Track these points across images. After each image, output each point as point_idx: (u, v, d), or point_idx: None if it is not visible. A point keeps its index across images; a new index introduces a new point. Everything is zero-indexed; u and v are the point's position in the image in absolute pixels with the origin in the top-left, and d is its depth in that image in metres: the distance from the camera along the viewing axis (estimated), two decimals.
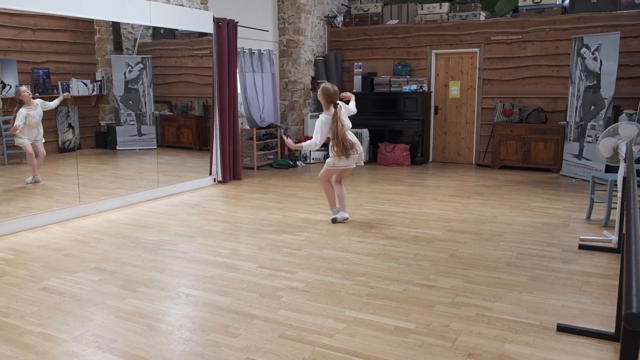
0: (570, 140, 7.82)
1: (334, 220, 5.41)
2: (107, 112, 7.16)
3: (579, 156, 7.66)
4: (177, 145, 8.14)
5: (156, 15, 6.45)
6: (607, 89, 7.18)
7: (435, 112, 9.50)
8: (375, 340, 2.91)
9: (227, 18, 7.49)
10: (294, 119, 9.64)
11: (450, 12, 9.15)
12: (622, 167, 4.46)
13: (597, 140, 5.28)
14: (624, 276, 1.40)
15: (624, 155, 4.30)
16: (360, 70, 9.74)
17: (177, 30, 7.57)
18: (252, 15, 8.77)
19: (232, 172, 7.79)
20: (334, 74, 9.79)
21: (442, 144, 9.54)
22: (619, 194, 4.55)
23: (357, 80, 9.68)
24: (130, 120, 7.33)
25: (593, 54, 7.37)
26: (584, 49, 7.51)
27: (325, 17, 10.06)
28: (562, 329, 3.01)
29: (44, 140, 6.02)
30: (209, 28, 7.25)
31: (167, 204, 6.34)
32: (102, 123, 7.13)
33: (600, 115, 7.29)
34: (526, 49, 8.54)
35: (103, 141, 7.17)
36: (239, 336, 2.98)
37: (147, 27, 7.33)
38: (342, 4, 10.47)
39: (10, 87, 5.92)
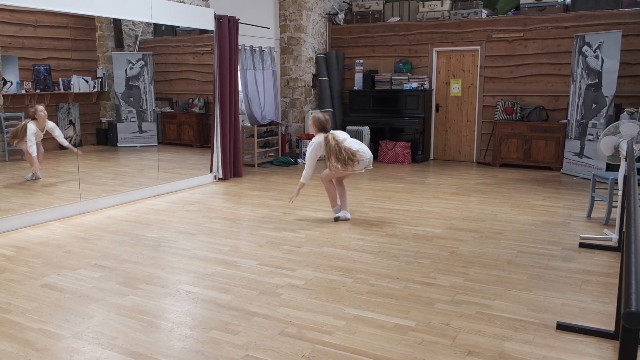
0: (571, 138, 7.81)
1: (336, 219, 5.41)
2: (108, 109, 7.16)
3: (580, 154, 7.65)
4: (178, 143, 8.14)
5: (157, 12, 6.44)
6: (609, 87, 7.17)
7: (437, 110, 9.50)
8: (375, 338, 2.92)
9: (228, 15, 7.48)
10: (294, 116, 9.64)
11: (452, 10, 9.14)
12: (623, 165, 4.46)
13: (598, 138, 5.27)
14: (624, 274, 1.40)
15: (624, 154, 4.29)
16: (362, 67, 9.73)
17: (178, 27, 7.57)
18: (253, 12, 8.76)
19: (232, 170, 7.79)
20: (335, 72, 9.78)
21: (443, 141, 9.53)
22: (620, 193, 4.55)
23: (358, 77, 9.67)
24: (131, 117, 7.34)
25: (595, 52, 7.36)
26: (585, 47, 7.50)
27: (326, 14, 10.04)
28: (562, 327, 3.01)
29: (42, 137, 6.04)
30: (210, 25, 7.25)
31: (167, 201, 6.35)
32: (103, 120, 7.14)
33: (601, 113, 7.28)
34: (527, 46, 8.52)
35: (104, 138, 7.18)
36: (239, 333, 2.98)
37: (148, 24, 7.33)
38: (343, 1, 10.45)
39: (12, 83, 5.92)
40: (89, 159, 6.92)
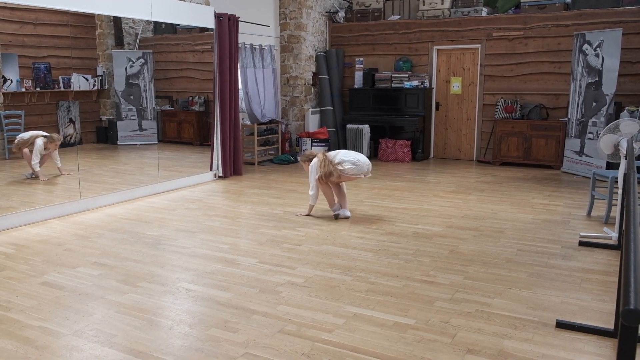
0: (571, 136, 7.81)
1: (337, 217, 5.41)
2: (108, 107, 7.16)
3: (580, 153, 7.65)
4: (178, 141, 8.14)
5: (157, 10, 6.44)
6: (609, 86, 7.16)
7: (437, 108, 9.49)
8: (375, 336, 2.92)
9: (228, 13, 7.48)
10: (295, 114, 9.63)
11: (452, 8, 9.13)
12: (623, 163, 4.45)
13: (598, 137, 5.27)
14: (623, 272, 1.40)
15: (624, 152, 4.29)
16: (362, 66, 9.72)
17: (178, 25, 7.56)
18: (253, 10, 8.76)
19: (232, 168, 7.79)
20: (335, 70, 9.78)
21: (443, 140, 9.53)
22: (620, 191, 4.55)
23: (358, 76, 9.66)
24: (131, 116, 7.33)
25: (595, 50, 7.35)
26: (585, 46, 7.49)
27: (326, 12, 10.03)
28: (561, 325, 3.01)
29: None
30: (210, 23, 7.24)
31: (167, 199, 6.35)
32: (103, 118, 7.13)
33: (601, 112, 7.28)
34: (528, 45, 8.52)
35: (104, 136, 7.17)
36: (239, 331, 2.99)
37: (148, 22, 7.32)
38: (343, 0, 10.45)
39: (12, 81, 5.92)
40: (89, 157, 6.91)
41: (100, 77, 6.97)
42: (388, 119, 9.23)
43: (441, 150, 9.58)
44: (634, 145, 4.18)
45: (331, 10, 10.09)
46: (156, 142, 7.52)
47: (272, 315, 3.18)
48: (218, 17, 7.30)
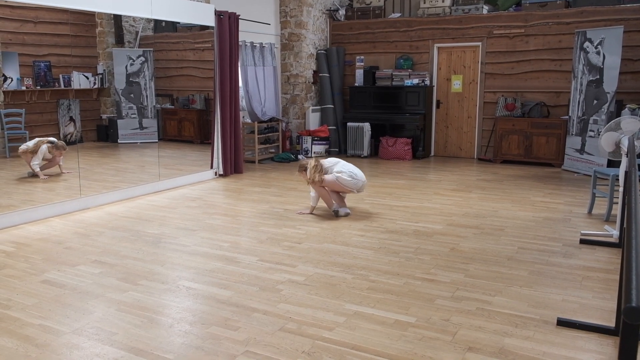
0: (572, 134, 7.80)
1: (336, 214, 5.41)
2: (108, 106, 7.16)
3: (581, 151, 7.64)
4: (179, 139, 8.14)
5: (157, 8, 6.43)
6: (610, 83, 7.15)
7: (437, 106, 9.48)
8: (375, 334, 2.92)
9: (229, 11, 7.47)
10: (295, 112, 9.62)
11: (453, 6, 9.11)
12: (624, 161, 4.45)
13: (599, 134, 5.26)
14: (624, 270, 1.40)
15: (626, 150, 4.28)
16: (362, 64, 9.71)
17: (178, 23, 7.55)
18: (254, 8, 8.74)
19: (233, 166, 7.79)
20: (336, 68, 9.77)
21: (444, 138, 9.52)
22: (621, 189, 4.54)
23: (359, 74, 9.65)
24: (132, 114, 7.33)
25: (596, 48, 7.34)
26: (587, 43, 7.48)
27: (327, 10, 10.02)
28: (562, 323, 3.01)
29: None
30: (210, 21, 7.23)
31: (168, 197, 6.35)
32: (104, 116, 7.13)
33: (602, 109, 7.26)
34: (529, 42, 8.50)
35: (104, 134, 7.17)
36: (239, 329, 2.98)
37: (148, 20, 7.32)
38: None
39: (12, 80, 5.92)
40: (89, 155, 6.92)
41: (101, 76, 6.96)
42: (389, 117, 9.22)
43: (442, 148, 9.57)
44: (635, 143, 4.17)
45: (332, 8, 10.08)
46: (157, 141, 7.52)
47: (273, 313, 3.18)
48: (218, 15, 7.29)
